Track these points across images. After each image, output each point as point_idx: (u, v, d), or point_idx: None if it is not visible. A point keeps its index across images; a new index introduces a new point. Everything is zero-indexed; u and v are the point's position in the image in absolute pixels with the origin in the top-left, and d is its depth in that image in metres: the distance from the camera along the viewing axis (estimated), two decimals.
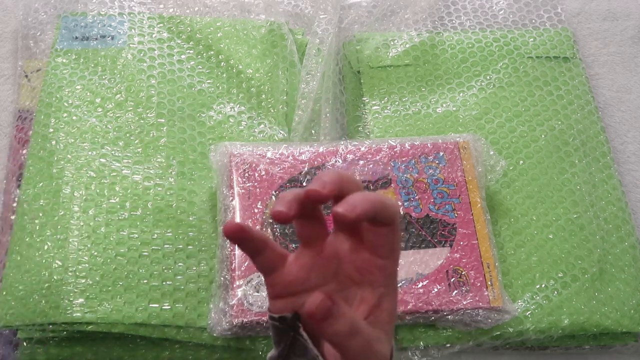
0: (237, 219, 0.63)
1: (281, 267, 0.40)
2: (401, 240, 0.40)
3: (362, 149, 0.67)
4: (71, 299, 0.60)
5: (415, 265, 0.62)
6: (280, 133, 0.72)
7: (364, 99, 0.77)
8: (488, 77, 0.78)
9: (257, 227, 0.62)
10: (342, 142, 0.68)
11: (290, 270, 0.40)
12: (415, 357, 0.63)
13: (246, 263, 0.61)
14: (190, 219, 0.66)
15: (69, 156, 0.68)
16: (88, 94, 0.72)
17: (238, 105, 0.74)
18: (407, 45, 0.80)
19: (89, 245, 0.63)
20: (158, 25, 0.78)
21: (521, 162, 0.73)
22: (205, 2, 0.81)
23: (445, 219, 0.65)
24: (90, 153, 0.68)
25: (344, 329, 0.36)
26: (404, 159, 0.67)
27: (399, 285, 0.60)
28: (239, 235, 0.38)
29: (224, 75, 0.76)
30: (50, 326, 0.60)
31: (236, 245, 0.55)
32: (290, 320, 0.39)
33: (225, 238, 0.61)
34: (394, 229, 0.38)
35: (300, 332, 0.39)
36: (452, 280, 0.62)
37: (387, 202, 0.37)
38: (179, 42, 0.77)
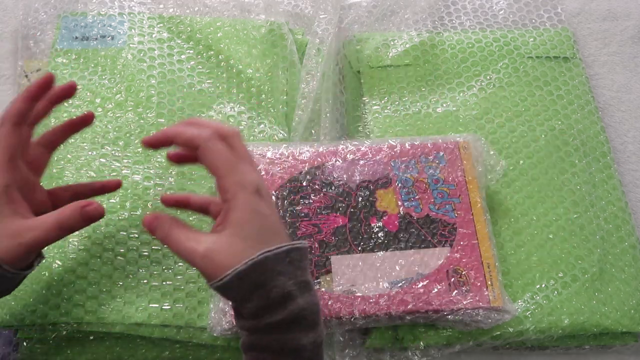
0: None
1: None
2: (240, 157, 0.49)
3: (362, 149, 0.67)
4: (71, 299, 0.60)
5: (415, 265, 0.62)
6: (280, 133, 0.72)
7: (364, 99, 0.77)
8: (488, 77, 0.78)
9: None
10: (342, 142, 0.68)
11: None
12: (415, 357, 0.63)
13: None
14: (190, 219, 0.66)
15: (69, 156, 0.68)
16: (88, 94, 0.72)
17: (238, 105, 0.74)
18: (407, 45, 0.80)
19: (89, 245, 0.63)
20: (158, 25, 0.78)
21: (521, 162, 0.73)
22: (205, 2, 0.81)
23: (446, 219, 0.64)
24: (90, 153, 0.69)
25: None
26: (404, 159, 0.67)
27: (399, 285, 0.61)
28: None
29: (224, 75, 0.76)
30: (50, 326, 0.60)
31: None
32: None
33: None
34: (204, 151, 0.48)
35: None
36: (452, 280, 0.62)
37: (181, 129, 0.49)
38: (179, 42, 0.77)
